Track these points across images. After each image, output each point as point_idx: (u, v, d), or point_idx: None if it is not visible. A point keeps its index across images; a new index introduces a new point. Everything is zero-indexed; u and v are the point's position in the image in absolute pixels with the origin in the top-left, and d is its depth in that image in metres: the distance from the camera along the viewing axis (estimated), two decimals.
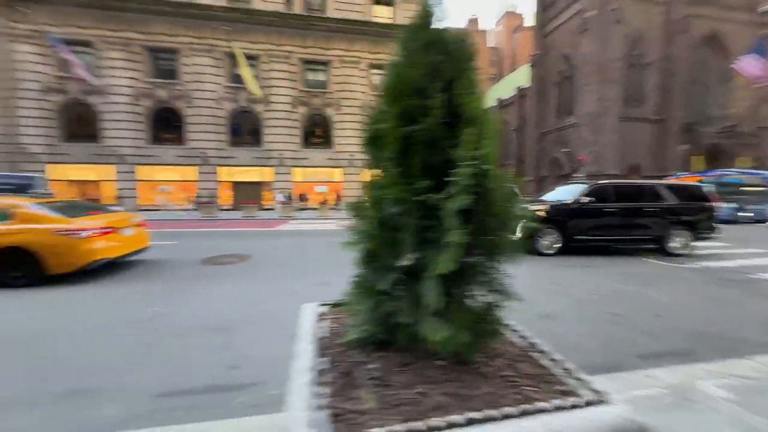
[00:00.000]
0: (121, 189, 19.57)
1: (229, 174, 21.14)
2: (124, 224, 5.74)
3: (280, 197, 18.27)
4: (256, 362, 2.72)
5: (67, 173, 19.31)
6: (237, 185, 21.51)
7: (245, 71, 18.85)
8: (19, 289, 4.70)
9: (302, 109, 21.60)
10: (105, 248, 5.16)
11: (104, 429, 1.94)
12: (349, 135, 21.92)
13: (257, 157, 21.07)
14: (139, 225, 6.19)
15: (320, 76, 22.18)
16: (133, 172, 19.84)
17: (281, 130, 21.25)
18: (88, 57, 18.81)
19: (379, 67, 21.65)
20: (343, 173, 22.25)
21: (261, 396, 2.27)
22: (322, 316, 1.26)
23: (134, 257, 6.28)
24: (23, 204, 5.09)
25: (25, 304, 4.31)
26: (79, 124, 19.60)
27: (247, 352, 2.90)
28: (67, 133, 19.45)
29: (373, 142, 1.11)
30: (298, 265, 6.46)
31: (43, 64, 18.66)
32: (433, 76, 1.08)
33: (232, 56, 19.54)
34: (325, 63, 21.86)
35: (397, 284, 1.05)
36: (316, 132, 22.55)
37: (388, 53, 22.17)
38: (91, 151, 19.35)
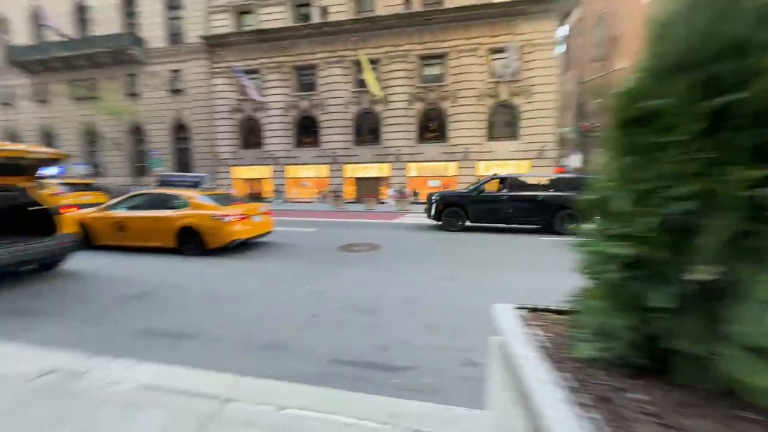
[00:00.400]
0: (276, 185, 24.31)
1: (353, 170, 23.50)
2: (254, 212, 7.10)
3: (392, 191, 19.46)
4: (403, 348, 2.88)
5: (242, 173, 25.26)
6: (359, 181, 23.74)
7: (369, 75, 20.46)
8: (193, 257, 6.32)
9: (418, 105, 22.02)
10: (241, 231, 6.52)
11: (297, 377, 2.38)
12: (464, 128, 21.20)
13: (377, 154, 22.70)
14: (265, 213, 7.52)
15: (436, 70, 22.06)
16: (283, 171, 24.36)
17: (398, 127, 22.25)
18: (256, 81, 23.97)
19: (499, 51, 20.05)
20: (458, 167, 21.71)
21: (415, 382, 2.37)
22: (527, 321, 1.13)
23: (261, 239, 7.57)
24: (195, 195, 6.86)
25: (215, 268, 5.73)
26: (250, 135, 25.27)
27: (392, 337, 3.11)
28: (243, 142, 25.37)
29: (637, 123, 0.90)
30: (425, 257, 6.62)
31: (229, 91, 24.76)
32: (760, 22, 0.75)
33: (357, 63, 21.51)
34: (441, 56, 21.62)
35: (683, 302, 0.81)
36: (431, 126, 22.63)
37: (510, 33, 19.70)
38: (257, 155, 24.71)
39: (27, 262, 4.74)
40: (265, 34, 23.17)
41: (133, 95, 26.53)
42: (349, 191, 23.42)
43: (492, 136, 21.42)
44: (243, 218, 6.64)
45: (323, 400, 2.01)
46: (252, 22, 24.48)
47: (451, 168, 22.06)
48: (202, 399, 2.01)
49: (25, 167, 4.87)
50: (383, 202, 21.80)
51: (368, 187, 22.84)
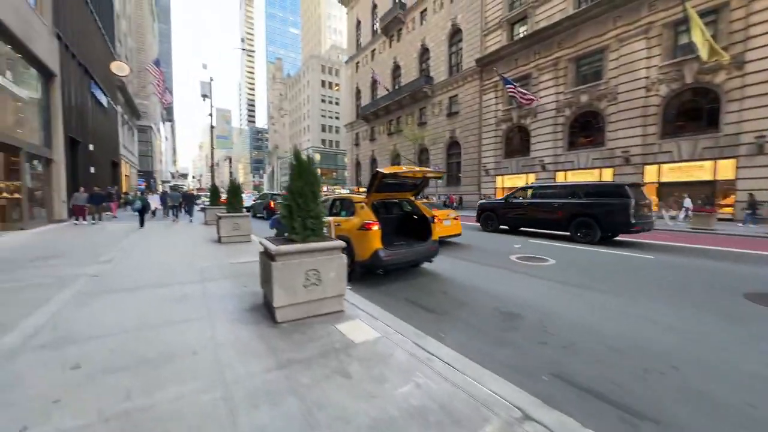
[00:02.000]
0: None
1: (660, 173, 17.21)
2: (444, 217, 8.71)
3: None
4: None
5: (506, 182, 25.29)
6: (666, 187, 17.10)
7: (698, 34, 14.08)
8: None
9: None
10: (438, 231, 7.03)
11: None
12: None
13: (709, 147, 15.33)
14: (455, 219, 9.11)
15: None
16: (550, 178, 21.99)
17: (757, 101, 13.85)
18: (525, 87, 23.23)
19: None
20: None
21: None
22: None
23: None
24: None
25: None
26: (514, 144, 24.86)
27: None
28: (507, 152, 25.42)
29: None
30: None
31: (496, 103, 25.59)
32: None
33: (675, 24, 15.45)
34: None
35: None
36: None
37: None
38: (521, 163, 23.84)
39: (419, 261, 5.67)
40: (540, 34, 21.85)
41: (422, 124, 33.55)
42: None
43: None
44: (439, 221, 8.02)
45: None
46: (523, 29, 23.99)
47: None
48: None
49: (414, 184, 5.91)
50: (673, 216, 15.02)
51: (681, 195, 15.88)
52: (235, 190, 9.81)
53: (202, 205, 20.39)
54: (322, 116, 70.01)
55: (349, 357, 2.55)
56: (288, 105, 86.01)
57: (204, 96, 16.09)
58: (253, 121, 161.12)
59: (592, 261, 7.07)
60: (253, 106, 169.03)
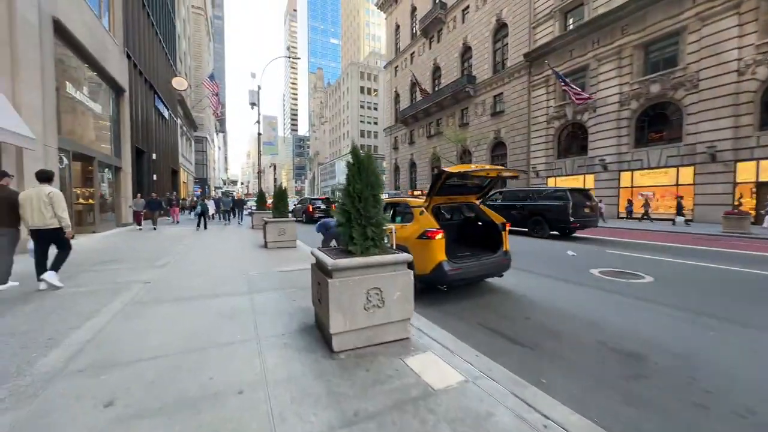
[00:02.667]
0: (599, 196, 20.07)
1: (759, 171, 14.52)
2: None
3: None
4: None
5: (556, 184, 23.22)
6: (766, 187, 14.36)
7: None
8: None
9: None
10: None
11: None
12: None
13: None
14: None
15: None
16: (613, 179, 19.69)
17: None
18: (581, 80, 21.19)
19: None
20: None
21: None
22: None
23: None
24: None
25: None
26: (569, 142, 22.76)
27: None
28: (560, 151, 23.36)
29: None
30: None
31: (547, 100, 23.68)
32: None
33: None
34: None
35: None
36: None
37: None
38: (578, 164, 21.70)
39: (488, 275, 4.79)
40: (600, 20, 19.80)
41: (464, 125, 32.26)
42: (748, 203, 14.67)
43: None
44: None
45: None
46: (579, 17, 21.97)
47: None
48: None
49: (480, 186, 5.22)
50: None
51: None
52: (281, 194, 9.71)
53: (249, 210, 21.67)
54: (361, 122, 71.01)
55: (433, 414, 1.92)
56: (328, 112, 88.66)
57: (252, 104, 16.69)
58: (296, 130, 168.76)
59: (699, 278, 5.76)
60: (296, 115, 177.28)
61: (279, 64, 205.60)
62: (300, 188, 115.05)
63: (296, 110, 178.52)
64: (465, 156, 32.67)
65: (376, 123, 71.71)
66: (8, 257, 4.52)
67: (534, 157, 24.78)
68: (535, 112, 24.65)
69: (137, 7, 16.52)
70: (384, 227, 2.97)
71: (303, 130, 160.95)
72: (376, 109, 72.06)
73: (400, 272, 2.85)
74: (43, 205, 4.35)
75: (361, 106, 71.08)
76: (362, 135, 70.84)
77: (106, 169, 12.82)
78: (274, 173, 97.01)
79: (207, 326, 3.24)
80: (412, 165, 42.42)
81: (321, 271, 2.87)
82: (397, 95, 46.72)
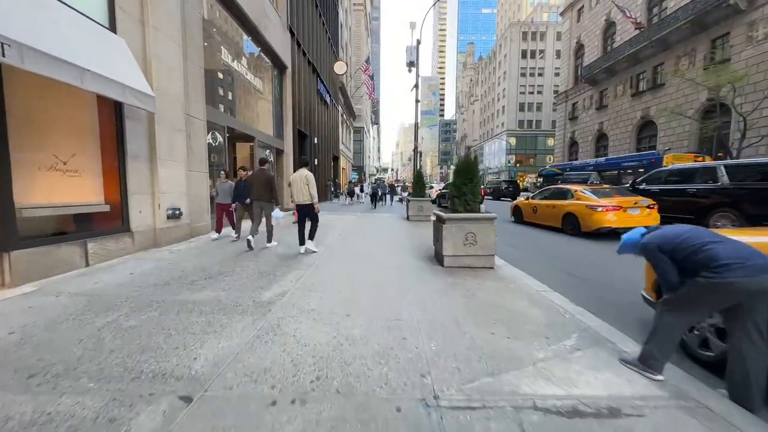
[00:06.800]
0: None
1: None
2: (630, 205, 7.79)
3: None
4: None
5: None
6: None
7: None
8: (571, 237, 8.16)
9: None
10: (611, 220, 7.60)
11: None
12: None
13: None
14: (647, 207, 7.88)
15: None
16: None
17: None
18: None
19: None
20: None
21: None
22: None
23: None
24: (579, 189, 8.88)
25: None
26: None
27: None
28: None
29: None
30: None
31: None
32: None
33: None
34: None
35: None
36: None
37: None
38: None
39: None
40: None
41: (718, 63, 19.90)
42: None
43: None
44: (616, 209, 7.65)
45: None
46: None
47: None
48: None
49: None
50: None
51: None
52: (419, 179, 11.73)
53: (400, 196, 23.25)
54: (521, 92, 60.20)
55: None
56: (479, 90, 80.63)
57: (410, 63, 13.78)
58: (443, 115, 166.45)
59: None
60: (443, 100, 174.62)
61: (427, 53, 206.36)
62: (445, 174, 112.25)
63: (443, 95, 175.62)
64: (722, 110, 19.98)
65: (540, 92, 59.40)
66: (268, 221, 6.30)
67: None
68: None
69: None
70: (478, 200, 4.91)
71: (449, 114, 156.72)
72: (540, 74, 59.44)
73: (487, 225, 4.69)
74: (302, 184, 5.57)
75: (522, 74, 59.98)
76: (521, 108, 60.14)
77: (267, 151, 12.44)
78: (418, 159, 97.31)
79: (374, 248, 5.83)
80: (600, 137, 31.30)
81: (439, 221, 4.95)
82: (580, 47, 35.42)
